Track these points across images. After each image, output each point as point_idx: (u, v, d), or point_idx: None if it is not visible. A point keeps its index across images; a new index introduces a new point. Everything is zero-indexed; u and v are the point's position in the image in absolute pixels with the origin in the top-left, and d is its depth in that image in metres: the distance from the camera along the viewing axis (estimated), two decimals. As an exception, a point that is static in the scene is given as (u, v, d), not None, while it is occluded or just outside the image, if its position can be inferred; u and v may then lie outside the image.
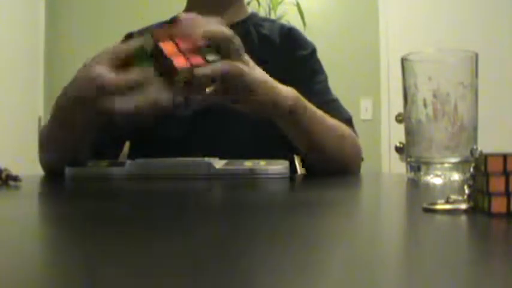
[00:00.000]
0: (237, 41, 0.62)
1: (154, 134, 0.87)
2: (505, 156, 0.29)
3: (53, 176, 0.73)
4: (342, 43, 2.88)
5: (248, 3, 2.62)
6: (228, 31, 0.61)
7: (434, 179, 0.55)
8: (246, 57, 0.64)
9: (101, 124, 0.67)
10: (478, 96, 0.58)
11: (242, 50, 0.63)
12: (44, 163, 0.81)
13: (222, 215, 0.31)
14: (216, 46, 0.60)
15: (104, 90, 0.55)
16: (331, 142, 0.76)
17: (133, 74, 0.56)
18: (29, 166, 1.94)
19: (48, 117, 0.72)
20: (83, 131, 0.68)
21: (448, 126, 0.55)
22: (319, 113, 0.76)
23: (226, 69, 0.59)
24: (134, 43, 0.59)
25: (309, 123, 0.73)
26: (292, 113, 0.70)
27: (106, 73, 0.56)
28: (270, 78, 0.68)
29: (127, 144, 0.98)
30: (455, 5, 2.77)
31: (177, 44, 0.59)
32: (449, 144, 0.55)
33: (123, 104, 0.55)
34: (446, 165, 0.55)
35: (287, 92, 0.70)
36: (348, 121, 0.86)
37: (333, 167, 0.76)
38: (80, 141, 0.71)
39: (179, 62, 0.57)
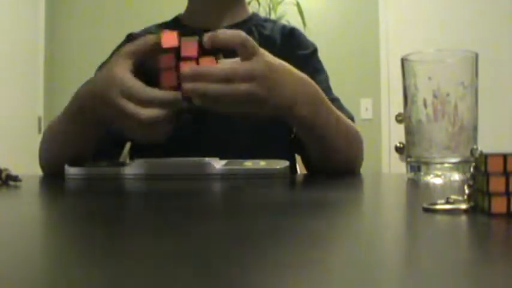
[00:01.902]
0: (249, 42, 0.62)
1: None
2: (505, 156, 0.29)
3: (53, 176, 0.73)
4: (342, 43, 2.88)
5: (248, 3, 2.61)
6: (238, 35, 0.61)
7: (434, 179, 0.55)
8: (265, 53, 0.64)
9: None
10: (478, 96, 0.58)
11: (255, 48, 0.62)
12: (45, 160, 0.80)
13: (221, 215, 0.31)
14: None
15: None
16: (342, 144, 0.76)
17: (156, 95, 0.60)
18: (29, 166, 1.94)
19: (47, 117, 0.72)
20: (99, 128, 0.72)
21: (448, 126, 0.55)
22: (335, 114, 0.74)
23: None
24: (150, 40, 0.63)
25: (324, 128, 0.71)
26: (308, 124, 0.69)
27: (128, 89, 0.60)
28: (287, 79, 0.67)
29: (128, 145, 0.98)
30: (455, 5, 2.77)
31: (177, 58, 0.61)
32: (449, 144, 0.55)
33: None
34: (446, 165, 0.55)
35: (304, 96, 0.68)
36: (350, 120, 0.86)
37: (337, 167, 0.76)
38: (91, 138, 0.73)
39: (167, 79, 0.60)
